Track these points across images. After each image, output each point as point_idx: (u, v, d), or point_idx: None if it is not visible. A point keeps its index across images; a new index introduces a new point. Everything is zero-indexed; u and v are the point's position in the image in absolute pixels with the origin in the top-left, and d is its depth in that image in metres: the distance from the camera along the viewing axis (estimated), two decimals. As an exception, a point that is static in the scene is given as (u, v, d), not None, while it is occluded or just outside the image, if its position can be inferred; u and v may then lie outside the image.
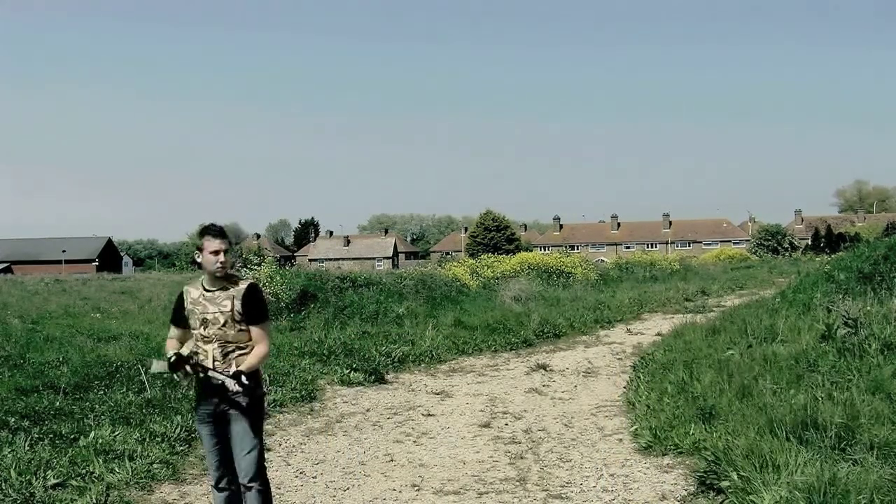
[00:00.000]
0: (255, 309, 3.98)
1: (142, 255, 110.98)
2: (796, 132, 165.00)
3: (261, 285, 15.31)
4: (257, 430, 4.00)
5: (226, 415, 3.95)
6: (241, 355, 3.94)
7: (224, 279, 3.97)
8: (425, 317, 14.86)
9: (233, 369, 3.88)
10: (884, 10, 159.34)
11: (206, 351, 3.94)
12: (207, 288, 3.98)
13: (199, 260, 3.98)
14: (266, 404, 4.24)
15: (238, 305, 3.93)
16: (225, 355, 3.93)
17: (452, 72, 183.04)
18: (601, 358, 11.76)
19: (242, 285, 4.00)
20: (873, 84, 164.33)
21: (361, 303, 15.46)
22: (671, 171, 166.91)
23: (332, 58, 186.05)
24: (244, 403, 3.91)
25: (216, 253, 3.89)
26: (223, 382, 3.82)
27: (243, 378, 3.80)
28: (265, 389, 4.15)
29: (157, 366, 4.03)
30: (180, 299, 4.07)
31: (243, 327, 3.95)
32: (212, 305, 3.94)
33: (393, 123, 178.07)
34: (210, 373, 3.85)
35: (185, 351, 3.94)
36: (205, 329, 3.94)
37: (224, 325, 3.93)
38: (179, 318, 4.06)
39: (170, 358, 3.84)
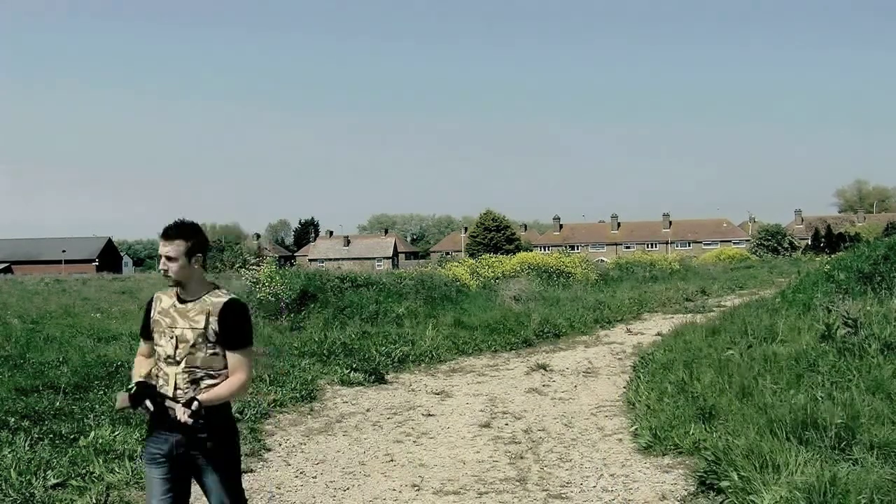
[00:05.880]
0: (233, 330, 3.30)
1: (142, 255, 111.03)
2: (796, 132, 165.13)
3: (260, 285, 15.67)
4: (235, 481, 3.37)
5: (191, 460, 3.29)
6: (210, 385, 3.28)
7: (199, 288, 3.36)
8: (425, 317, 14.86)
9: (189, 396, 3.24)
10: (884, 10, 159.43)
11: (167, 375, 3.30)
12: (182, 298, 3.37)
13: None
14: (239, 448, 3.48)
15: (214, 323, 3.29)
16: (191, 382, 3.27)
17: (453, 72, 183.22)
18: (601, 358, 11.76)
19: (221, 298, 3.33)
20: (873, 84, 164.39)
21: (361, 303, 15.45)
22: (671, 171, 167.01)
23: (333, 57, 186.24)
24: (210, 446, 3.26)
25: (162, 258, 3.37)
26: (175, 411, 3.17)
27: (195, 405, 3.13)
28: (234, 434, 3.44)
29: (122, 400, 3.23)
30: (148, 307, 3.47)
31: (217, 350, 3.30)
32: (182, 319, 3.31)
33: (393, 123, 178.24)
34: (168, 402, 3.21)
35: (149, 377, 3.37)
36: (172, 348, 3.31)
37: (194, 346, 3.28)
38: (147, 329, 3.44)
39: (130, 389, 3.21)
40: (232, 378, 3.31)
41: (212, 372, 3.30)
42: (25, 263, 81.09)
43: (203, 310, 3.31)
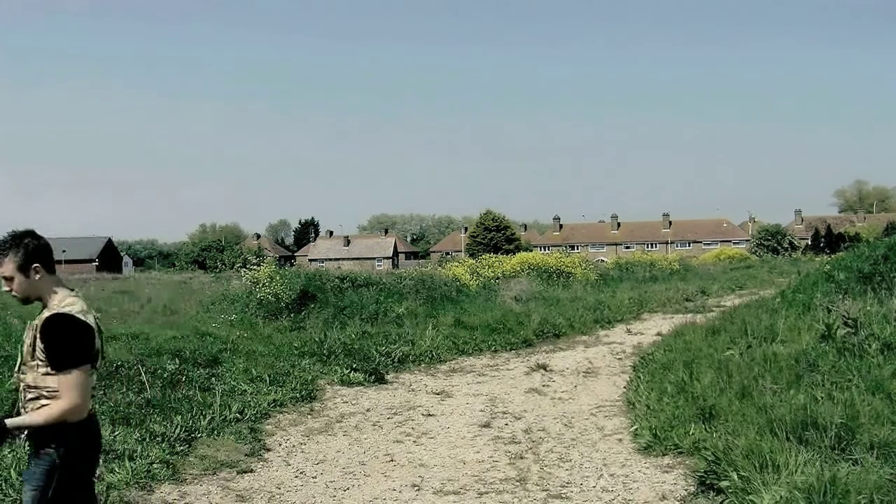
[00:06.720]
0: (51, 349, 2.93)
1: (142, 255, 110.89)
2: (796, 132, 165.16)
3: (260, 285, 15.72)
4: None
5: None
6: (44, 407, 2.98)
7: (50, 300, 3.03)
8: (425, 317, 14.86)
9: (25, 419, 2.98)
10: (884, 10, 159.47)
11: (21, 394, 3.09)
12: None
13: None
14: (63, 478, 3.11)
15: (38, 340, 2.96)
16: (30, 402, 3.03)
17: (452, 72, 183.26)
18: (601, 358, 11.77)
19: (46, 313, 2.99)
20: (873, 84, 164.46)
21: (361, 303, 15.45)
22: (671, 171, 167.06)
23: (333, 58, 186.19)
24: (30, 467, 3.11)
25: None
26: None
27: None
28: (58, 459, 3.07)
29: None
30: None
31: (49, 370, 2.95)
32: (26, 338, 3.05)
33: (393, 123, 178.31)
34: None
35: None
36: (17, 367, 3.11)
37: (24, 364, 3.03)
38: None
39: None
40: (54, 402, 2.96)
41: (46, 393, 2.98)
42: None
43: (32, 326, 3.03)
